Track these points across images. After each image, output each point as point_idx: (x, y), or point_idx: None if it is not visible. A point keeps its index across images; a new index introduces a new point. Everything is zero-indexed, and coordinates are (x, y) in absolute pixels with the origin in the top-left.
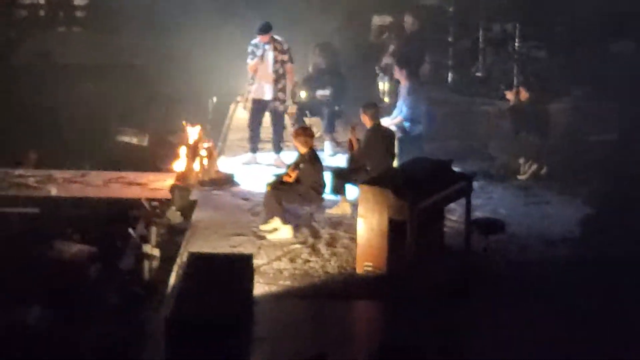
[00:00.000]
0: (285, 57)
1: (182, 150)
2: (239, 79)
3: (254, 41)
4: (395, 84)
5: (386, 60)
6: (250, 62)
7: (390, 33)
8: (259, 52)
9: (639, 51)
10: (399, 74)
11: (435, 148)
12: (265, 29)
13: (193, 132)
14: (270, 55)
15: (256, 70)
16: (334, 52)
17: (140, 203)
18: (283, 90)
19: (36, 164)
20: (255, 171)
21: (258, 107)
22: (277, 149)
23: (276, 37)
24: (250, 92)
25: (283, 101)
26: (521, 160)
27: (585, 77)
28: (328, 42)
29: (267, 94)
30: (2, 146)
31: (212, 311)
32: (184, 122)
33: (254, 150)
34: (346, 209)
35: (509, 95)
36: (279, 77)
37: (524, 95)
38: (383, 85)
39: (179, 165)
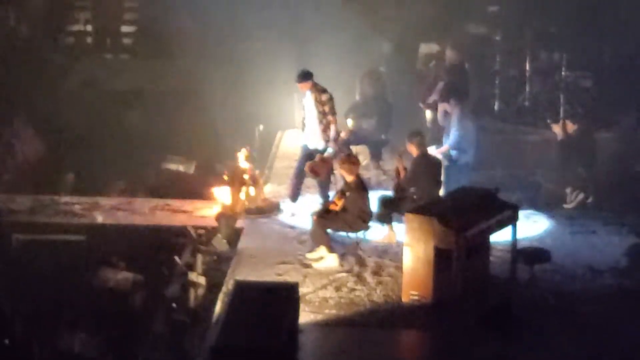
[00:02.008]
0: (326, 109)
1: (229, 179)
2: (286, 108)
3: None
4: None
5: (434, 97)
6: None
7: (438, 61)
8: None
9: None
10: (447, 107)
11: (482, 176)
12: (302, 77)
13: (240, 160)
14: (310, 104)
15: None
16: (382, 81)
17: (186, 231)
18: (327, 141)
19: (73, 188)
20: (302, 200)
21: (303, 153)
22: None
23: (318, 85)
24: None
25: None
26: (568, 190)
27: (633, 106)
28: (376, 70)
29: (311, 143)
30: (48, 172)
31: (257, 340)
32: (236, 151)
33: (295, 198)
34: (392, 237)
35: (556, 129)
36: (324, 128)
37: (571, 127)
38: (431, 114)
39: (225, 193)
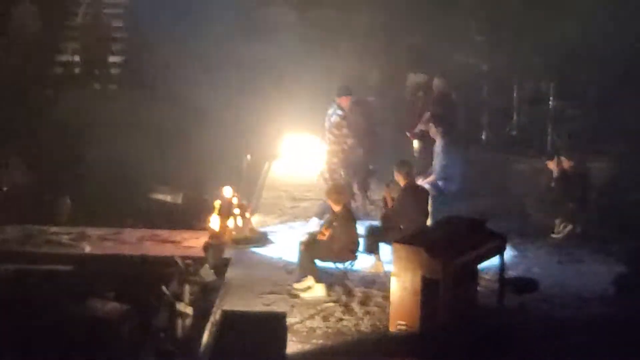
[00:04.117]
0: None
1: (216, 209)
2: (274, 138)
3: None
4: (429, 144)
5: (421, 126)
6: None
7: (426, 91)
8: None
9: None
10: (434, 132)
11: (470, 206)
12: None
13: (227, 191)
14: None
15: None
16: (369, 110)
17: (173, 261)
18: None
19: (69, 215)
20: (288, 229)
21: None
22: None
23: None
24: None
25: None
26: (557, 221)
27: (621, 135)
28: (364, 100)
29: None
30: (36, 202)
31: None
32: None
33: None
34: (380, 267)
35: (551, 165)
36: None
37: (567, 163)
38: (418, 144)
39: (213, 223)
